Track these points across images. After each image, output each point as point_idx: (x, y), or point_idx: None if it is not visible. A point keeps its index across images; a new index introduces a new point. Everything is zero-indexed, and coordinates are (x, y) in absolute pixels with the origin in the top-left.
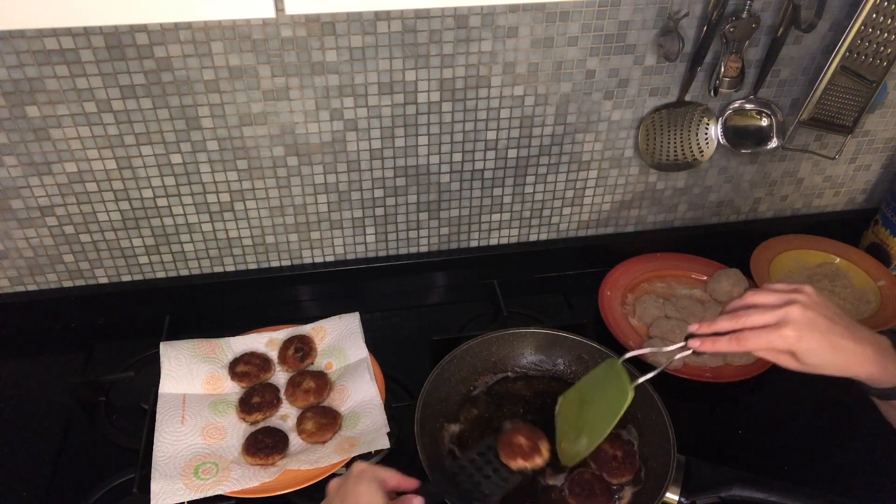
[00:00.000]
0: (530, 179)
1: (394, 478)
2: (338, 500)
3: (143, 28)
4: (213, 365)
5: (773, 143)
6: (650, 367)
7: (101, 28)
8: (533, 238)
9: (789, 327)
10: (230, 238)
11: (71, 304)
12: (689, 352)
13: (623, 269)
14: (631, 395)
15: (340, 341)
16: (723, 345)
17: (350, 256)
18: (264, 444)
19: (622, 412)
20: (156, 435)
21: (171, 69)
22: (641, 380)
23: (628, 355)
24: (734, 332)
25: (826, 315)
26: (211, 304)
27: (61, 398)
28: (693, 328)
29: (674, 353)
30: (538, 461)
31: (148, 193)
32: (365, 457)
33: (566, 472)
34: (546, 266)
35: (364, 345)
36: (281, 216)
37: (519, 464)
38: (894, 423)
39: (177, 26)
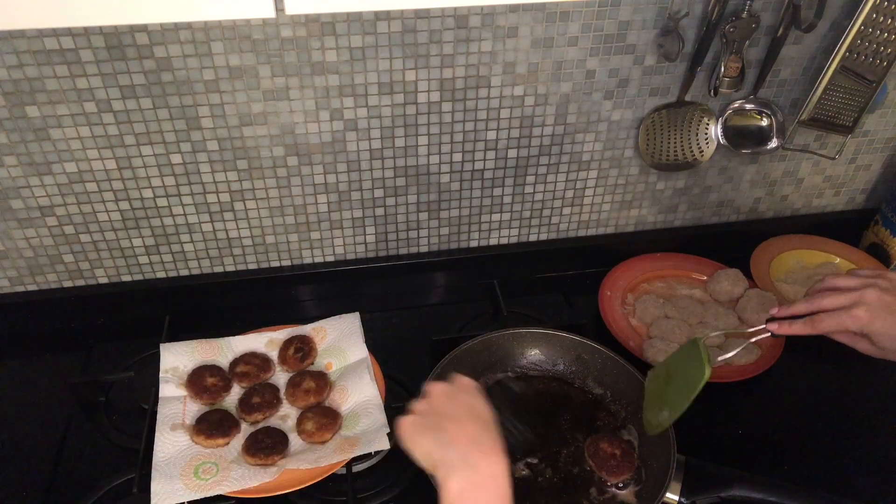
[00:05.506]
0: (530, 179)
1: None
2: (446, 404)
3: (143, 28)
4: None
5: (773, 143)
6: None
7: (101, 28)
8: (533, 238)
9: (862, 308)
10: (230, 238)
11: (71, 304)
12: (768, 334)
13: (623, 269)
14: (709, 372)
15: (340, 341)
16: (798, 328)
17: (350, 256)
18: (264, 444)
19: (700, 388)
20: (156, 435)
21: (171, 69)
22: (721, 359)
23: (713, 334)
24: (810, 314)
25: None
26: (211, 304)
27: (61, 398)
28: (773, 311)
29: (753, 334)
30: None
31: (148, 193)
32: (365, 457)
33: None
34: (546, 266)
35: (364, 345)
36: (281, 216)
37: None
38: None
39: (177, 26)
